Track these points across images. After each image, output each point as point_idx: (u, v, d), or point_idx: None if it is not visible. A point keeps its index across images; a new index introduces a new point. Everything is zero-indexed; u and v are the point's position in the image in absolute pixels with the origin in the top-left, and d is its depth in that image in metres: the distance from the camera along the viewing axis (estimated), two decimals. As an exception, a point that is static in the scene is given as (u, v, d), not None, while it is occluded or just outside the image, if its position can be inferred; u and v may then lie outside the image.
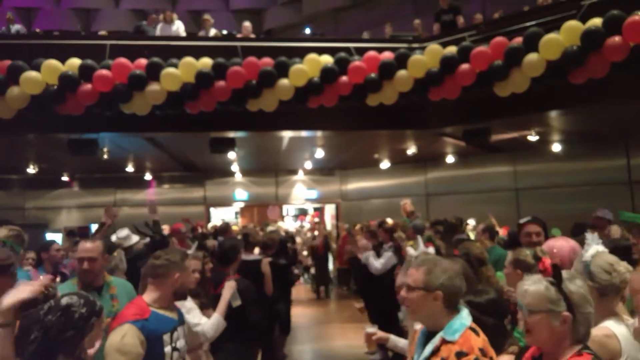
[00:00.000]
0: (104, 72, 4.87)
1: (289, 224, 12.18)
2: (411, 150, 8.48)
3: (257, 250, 4.74)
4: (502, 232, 6.05)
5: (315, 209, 13.20)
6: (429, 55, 5.09)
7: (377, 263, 4.86)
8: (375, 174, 10.64)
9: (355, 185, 11.39)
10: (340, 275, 10.80)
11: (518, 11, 6.08)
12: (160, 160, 9.23)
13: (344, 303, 9.04)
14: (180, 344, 2.15)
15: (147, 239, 4.62)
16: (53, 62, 4.90)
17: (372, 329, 2.49)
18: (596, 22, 4.40)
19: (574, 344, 1.44)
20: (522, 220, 3.00)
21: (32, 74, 4.82)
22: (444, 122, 6.39)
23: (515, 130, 7.09)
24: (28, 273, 3.50)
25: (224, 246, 3.65)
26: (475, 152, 9.07)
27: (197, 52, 5.23)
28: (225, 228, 6.86)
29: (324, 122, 6.11)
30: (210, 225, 9.74)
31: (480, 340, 1.55)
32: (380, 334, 2.47)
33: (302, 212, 13.67)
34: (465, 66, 4.89)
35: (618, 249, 2.09)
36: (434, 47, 5.16)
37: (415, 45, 5.82)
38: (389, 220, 6.50)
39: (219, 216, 11.79)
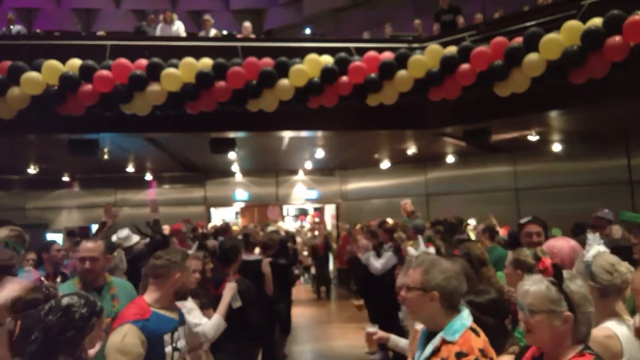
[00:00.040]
0: (105, 72, 4.87)
1: (289, 224, 12.18)
2: (411, 150, 8.48)
3: (257, 250, 4.75)
4: (503, 232, 6.04)
5: (316, 209, 13.20)
6: (429, 55, 5.09)
7: (377, 263, 4.87)
8: (376, 174, 10.64)
9: (355, 185, 11.39)
10: (340, 275, 10.81)
11: (518, 11, 6.08)
12: (160, 161, 9.23)
13: (344, 303, 9.03)
14: (181, 344, 2.15)
15: (148, 239, 4.62)
16: (53, 63, 4.90)
17: (372, 328, 2.49)
18: (596, 22, 4.40)
19: (575, 344, 1.44)
20: (522, 220, 3.00)
21: (33, 74, 4.83)
22: (444, 122, 6.39)
23: (515, 130, 7.09)
24: (29, 273, 3.50)
25: (225, 246, 3.65)
26: (476, 152, 9.07)
27: (198, 53, 5.24)
28: (225, 228, 6.86)
29: (324, 122, 6.11)
30: (210, 225, 9.74)
31: (480, 341, 1.55)
32: (381, 333, 2.47)
33: (303, 212, 13.67)
34: (465, 66, 4.89)
35: (618, 249, 2.09)
36: (434, 47, 5.16)
37: (415, 45, 5.82)
38: (390, 220, 6.50)
39: (219, 216, 11.79)
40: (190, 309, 2.61)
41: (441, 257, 2.75)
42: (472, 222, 7.13)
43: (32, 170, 9.12)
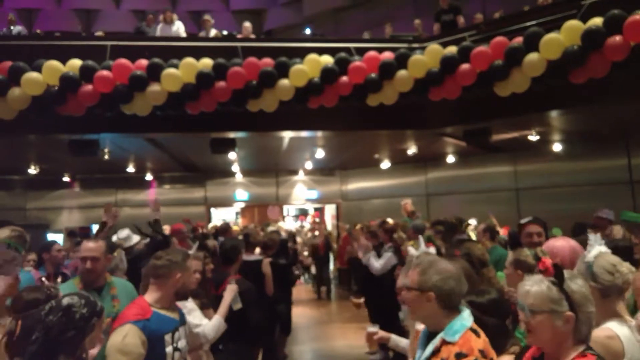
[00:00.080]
0: (105, 73, 4.88)
1: (289, 224, 12.19)
2: (411, 150, 8.48)
3: (257, 250, 4.75)
4: (503, 232, 6.04)
5: (316, 209, 13.20)
6: (429, 55, 5.08)
7: (376, 264, 4.86)
8: (376, 174, 10.64)
9: (355, 185, 11.39)
10: (340, 275, 10.81)
11: (518, 11, 6.08)
12: (161, 161, 9.24)
13: (344, 303, 9.03)
14: (182, 344, 2.15)
15: (148, 240, 4.62)
16: (54, 63, 4.91)
17: (373, 328, 2.49)
18: (597, 21, 4.40)
19: (576, 344, 1.44)
20: (523, 221, 3.00)
21: (33, 75, 4.83)
22: (445, 122, 6.39)
23: (515, 130, 7.09)
24: (29, 274, 3.50)
25: (225, 246, 3.65)
26: (476, 152, 9.06)
27: (198, 53, 5.24)
28: (225, 228, 6.87)
29: (325, 123, 6.11)
30: (210, 225, 9.74)
31: (480, 342, 1.54)
32: (382, 333, 2.47)
33: (303, 213, 13.67)
34: (465, 66, 4.89)
35: (619, 250, 2.09)
36: (434, 47, 5.16)
37: (415, 45, 5.82)
38: (390, 220, 6.50)
39: (219, 216, 11.79)
40: (190, 309, 2.61)
41: (442, 257, 2.75)
42: (472, 222, 7.13)
43: (32, 170, 9.12)
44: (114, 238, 4.60)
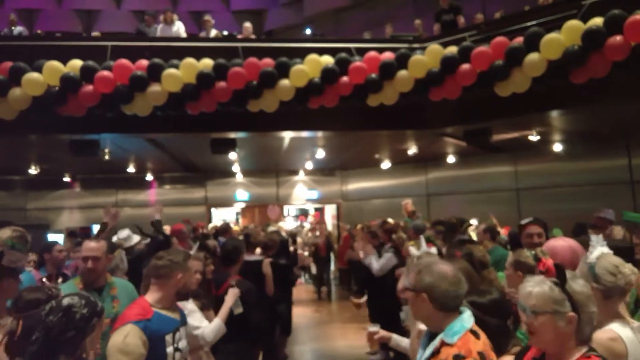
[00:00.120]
0: (105, 73, 4.88)
1: (289, 224, 12.19)
2: (412, 150, 8.48)
3: (258, 250, 4.75)
4: (503, 232, 6.04)
5: (316, 210, 13.20)
6: (430, 56, 5.08)
7: (376, 264, 4.86)
8: (376, 174, 10.64)
9: (356, 185, 11.39)
10: (341, 275, 10.81)
11: (519, 11, 6.08)
12: (161, 161, 9.24)
13: (345, 303, 9.03)
14: (182, 344, 2.15)
15: (148, 240, 4.63)
16: (54, 64, 4.91)
17: (374, 328, 2.49)
18: (597, 21, 4.40)
19: (579, 344, 1.43)
20: (523, 222, 3.00)
21: (34, 75, 4.83)
22: (445, 122, 6.39)
23: (516, 130, 7.08)
24: (30, 274, 3.50)
25: (227, 247, 3.65)
26: (476, 152, 9.06)
27: (198, 53, 5.23)
28: (225, 228, 6.88)
29: (325, 123, 6.11)
30: (210, 225, 9.74)
31: (480, 344, 1.54)
32: (383, 333, 2.47)
33: (303, 213, 13.67)
34: (465, 66, 4.88)
35: (619, 250, 2.09)
36: (434, 47, 5.15)
37: (415, 45, 5.81)
38: (390, 221, 6.50)
39: (220, 217, 11.80)
40: (190, 310, 2.60)
41: (442, 258, 2.75)
42: (474, 222, 7.13)
43: (33, 170, 9.13)
44: (114, 238, 4.60)
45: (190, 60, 5.04)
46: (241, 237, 5.46)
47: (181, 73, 4.99)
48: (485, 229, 4.99)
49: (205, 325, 2.65)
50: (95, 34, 9.02)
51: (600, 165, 8.13)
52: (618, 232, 4.33)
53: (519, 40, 4.76)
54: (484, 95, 5.13)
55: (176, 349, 2.08)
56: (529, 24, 4.99)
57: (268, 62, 5.10)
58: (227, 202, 11.55)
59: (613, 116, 6.55)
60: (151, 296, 2.12)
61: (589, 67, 4.46)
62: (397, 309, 3.38)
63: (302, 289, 10.49)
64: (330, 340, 6.65)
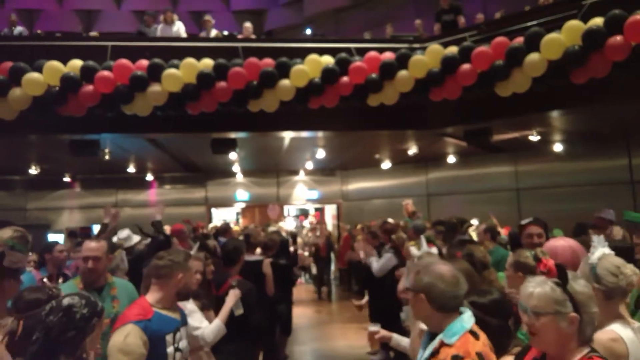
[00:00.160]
0: (106, 73, 4.88)
1: (289, 224, 12.19)
2: (412, 150, 8.48)
3: (258, 250, 4.74)
4: (504, 232, 6.04)
5: (316, 210, 13.20)
6: (430, 56, 5.08)
7: (376, 264, 4.86)
8: (377, 174, 10.64)
9: (356, 185, 11.39)
10: (341, 275, 10.80)
11: (519, 11, 6.08)
12: (161, 161, 9.24)
13: (345, 304, 9.03)
14: (183, 344, 2.15)
15: (149, 240, 4.63)
16: (55, 64, 4.91)
17: (375, 327, 2.49)
18: (597, 21, 4.40)
19: (580, 345, 1.43)
20: (523, 222, 3.00)
21: (34, 75, 4.83)
22: (445, 122, 6.38)
23: (516, 130, 7.08)
24: (31, 274, 3.50)
25: (228, 247, 3.65)
26: (477, 152, 9.06)
27: (198, 53, 5.23)
28: (225, 228, 6.88)
29: (325, 123, 6.11)
30: (210, 226, 9.75)
31: (479, 344, 1.53)
32: (383, 332, 2.47)
33: (303, 213, 13.67)
34: (466, 66, 4.88)
35: (618, 250, 2.09)
36: (434, 47, 5.15)
37: (416, 45, 5.81)
38: (391, 221, 6.50)
39: (220, 217, 11.80)
40: (190, 311, 2.60)
41: (443, 258, 2.74)
42: (474, 222, 7.13)
43: (33, 170, 9.13)
44: (114, 238, 4.61)
45: (190, 60, 5.04)
46: (241, 237, 5.46)
47: (181, 73, 4.99)
48: (486, 229, 4.99)
49: (205, 326, 2.65)
50: (93, 33, 9.02)
51: (600, 165, 8.13)
52: (617, 232, 4.33)
53: (519, 40, 4.76)
54: (484, 95, 5.13)
55: (177, 349, 2.08)
56: (529, 24, 4.99)
57: (268, 62, 5.10)
58: (227, 202, 11.55)
59: (613, 116, 6.55)
60: (152, 296, 2.12)
61: (589, 67, 4.46)
62: (397, 309, 3.38)
63: (303, 289, 10.49)
64: (331, 340, 6.65)
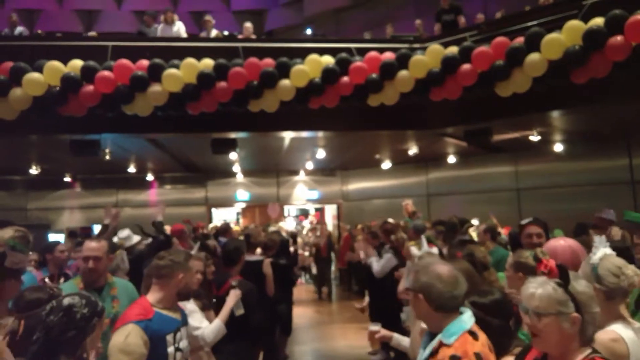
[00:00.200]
0: (106, 73, 4.88)
1: (289, 224, 12.19)
2: (412, 150, 8.48)
3: (259, 250, 4.75)
4: (504, 232, 6.03)
5: (317, 210, 13.20)
6: (430, 56, 5.08)
7: (376, 265, 4.86)
8: (377, 174, 10.64)
9: (356, 185, 11.39)
10: (341, 275, 10.80)
11: (519, 11, 6.08)
12: (162, 161, 9.24)
13: (345, 304, 9.03)
14: (183, 344, 2.15)
15: (149, 240, 4.63)
16: (55, 64, 4.91)
17: (375, 327, 2.49)
18: (598, 21, 4.40)
19: (582, 345, 1.43)
20: (523, 222, 3.00)
21: (35, 75, 4.84)
22: (445, 122, 6.39)
23: (516, 130, 7.08)
24: (31, 274, 3.50)
25: (228, 247, 3.65)
26: (477, 152, 9.06)
27: (199, 53, 5.24)
28: (225, 229, 6.89)
29: (325, 123, 6.11)
30: (210, 226, 9.75)
31: (478, 345, 1.53)
32: (384, 332, 2.47)
33: (304, 213, 13.67)
34: (466, 66, 4.88)
35: (618, 251, 2.09)
36: (435, 47, 5.15)
37: (416, 45, 5.81)
38: (391, 221, 6.50)
39: (220, 217, 11.80)
40: (191, 311, 2.60)
41: (443, 258, 2.74)
42: (475, 222, 7.13)
43: (33, 170, 9.14)
44: (115, 239, 4.61)
45: (190, 60, 5.04)
46: (242, 237, 5.46)
47: (182, 73, 4.99)
48: (486, 229, 4.99)
49: (205, 326, 2.65)
50: (91, 33, 9.01)
51: (600, 165, 8.12)
52: (616, 232, 4.32)
53: (519, 40, 4.76)
54: (484, 96, 5.13)
55: (177, 349, 2.09)
56: (529, 24, 4.99)
57: (269, 62, 5.11)
58: (227, 202, 11.55)
59: (614, 116, 6.55)
60: (152, 296, 2.12)
61: (589, 67, 4.46)
62: (397, 309, 3.39)
63: (303, 289, 10.49)
64: (331, 340, 6.65)
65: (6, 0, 12.45)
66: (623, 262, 1.83)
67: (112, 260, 2.91)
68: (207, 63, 5.10)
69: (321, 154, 8.33)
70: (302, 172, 11.30)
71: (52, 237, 9.37)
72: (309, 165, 10.43)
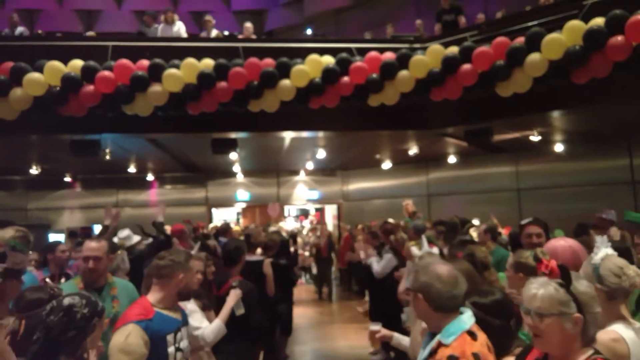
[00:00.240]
0: (106, 73, 4.88)
1: (290, 224, 12.19)
2: (413, 150, 8.47)
3: (259, 250, 4.75)
4: (504, 232, 6.03)
5: (317, 210, 13.20)
6: (431, 56, 5.08)
7: (376, 265, 4.85)
8: (377, 174, 10.63)
9: (356, 185, 11.39)
10: (342, 275, 10.80)
11: (520, 11, 6.08)
12: (162, 161, 9.24)
13: (345, 304, 9.03)
14: (184, 344, 2.15)
15: (149, 240, 4.63)
16: (55, 64, 4.91)
17: (376, 326, 2.49)
18: (598, 21, 4.40)
19: (584, 345, 1.43)
20: (523, 222, 3.00)
21: (35, 75, 4.84)
22: (446, 122, 6.38)
23: (517, 130, 7.08)
24: (32, 274, 3.50)
25: (229, 247, 3.65)
26: (477, 153, 9.05)
27: (199, 53, 5.24)
28: (225, 229, 6.89)
29: (326, 123, 6.11)
30: (211, 226, 9.75)
31: (476, 345, 1.53)
32: (384, 331, 2.47)
33: (304, 213, 13.68)
34: (467, 66, 4.88)
35: (618, 251, 2.08)
36: (435, 47, 5.15)
37: (416, 45, 5.81)
38: (391, 221, 6.50)
39: (221, 217, 11.80)
40: (191, 311, 2.60)
41: (444, 258, 2.74)
42: (475, 222, 7.12)
43: (34, 170, 9.14)
44: (115, 239, 4.61)
45: (191, 60, 5.04)
46: (242, 237, 5.46)
47: (182, 73, 4.99)
48: (486, 229, 4.98)
49: (205, 326, 2.65)
50: (90, 33, 9.00)
51: (601, 165, 8.12)
52: (615, 233, 4.31)
53: (520, 40, 4.75)
54: (485, 96, 5.13)
55: (177, 349, 2.08)
56: (530, 24, 4.99)
57: (269, 62, 5.11)
58: (227, 202, 11.55)
59: (614, 116, 6.54)
60: (153, 296, 2.12)
61: (590, 67, 4.46)
62: (398, 310, 3.38)
63: (303, 289, 10.49)
64: (331, 340, 6.65)
65: (6, 1, 12.45)
66: (625, 262, 1.83)
67: (112, 261, 2.91)
68: (208, 63, 5.10)
69: (321, 154, 8.33)
70: (302, 172, 11.30)
71: (53, 237, 9.38)
72: (309, 165, 10.43)
